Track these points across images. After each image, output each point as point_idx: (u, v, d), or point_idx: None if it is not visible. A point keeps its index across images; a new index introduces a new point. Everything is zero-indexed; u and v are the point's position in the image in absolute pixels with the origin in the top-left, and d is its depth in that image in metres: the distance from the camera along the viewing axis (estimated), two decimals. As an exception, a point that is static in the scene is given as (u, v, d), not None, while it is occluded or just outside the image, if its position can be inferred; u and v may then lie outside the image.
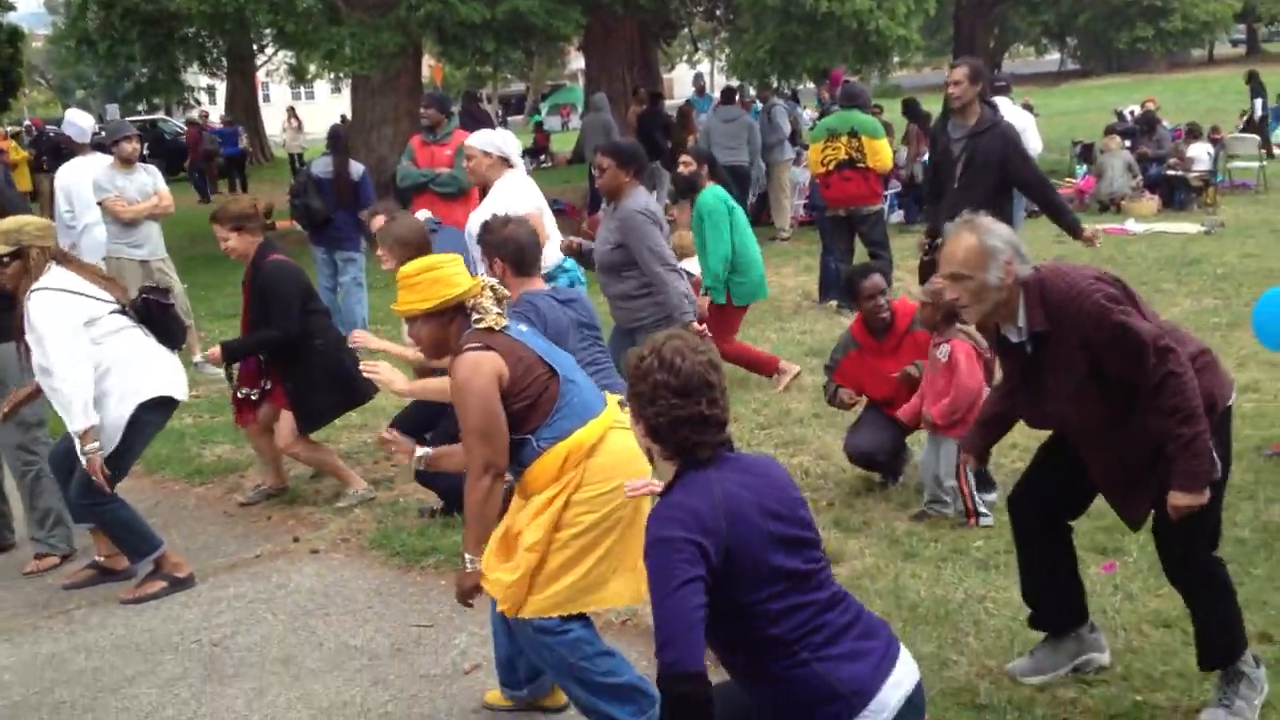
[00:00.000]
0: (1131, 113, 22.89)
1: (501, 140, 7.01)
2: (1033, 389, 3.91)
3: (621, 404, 3.10)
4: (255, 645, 5.05)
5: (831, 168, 10.45)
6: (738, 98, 16.81)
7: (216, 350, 6.42)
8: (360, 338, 6.11)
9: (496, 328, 3.85)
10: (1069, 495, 4.19)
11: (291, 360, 6.36)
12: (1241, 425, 6.72)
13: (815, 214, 12.41)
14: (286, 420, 6.49)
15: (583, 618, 3.89)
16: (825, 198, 10.72)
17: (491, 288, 3.94)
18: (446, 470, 4.17)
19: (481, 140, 6.97)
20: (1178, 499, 3.63)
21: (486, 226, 5.14)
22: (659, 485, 3.13)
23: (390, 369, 4.70)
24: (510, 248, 5.06)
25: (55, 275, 5.34)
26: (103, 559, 5.87)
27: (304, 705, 4.50)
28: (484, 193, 7.02)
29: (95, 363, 5.31)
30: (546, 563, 3.78)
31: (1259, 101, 23.45)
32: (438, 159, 9.55)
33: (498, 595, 3.85)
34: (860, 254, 10.71)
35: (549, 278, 6.17)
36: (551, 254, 6.36)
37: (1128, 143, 17.54)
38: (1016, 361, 3.92)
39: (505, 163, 6.87)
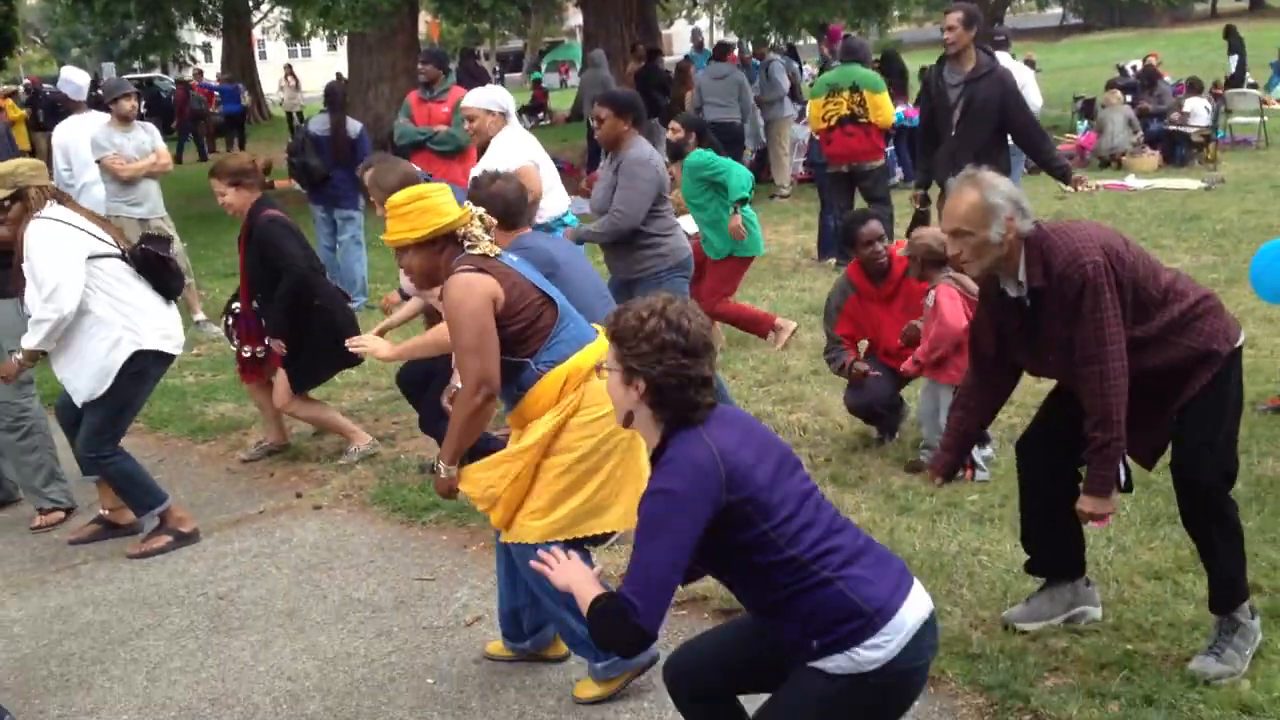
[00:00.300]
0: (1133, 68, 22.84)
1: (500, 96, 7.03)
2: (1032, 341, 3.94)
3: (598, 369, 3.14)
4: (260, 598, 5.13)
5: (833, 123, 10.44)
6: (735, 54, 16.75)
7: (280, 344, 6.41)
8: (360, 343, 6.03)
9: (490, 254, 3.90)
10: (1075, 440, 4.23)
11: (288, 325, 6.39)
12: (1236, 380, 6.80)
13: (814, 170, 12.39)
14: (282, 379, 6.54)
15: (580, 548, 3.95)
16: (826, 153, 10.70)
17: (480, 216, 3.98)
18: (465, 446, 4.12)
19: (482, 99, 6.98)
20: (1085, 504, 3.78)
21: (474, 182, 5.19)
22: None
23: (373, 339, 4.78)
24: (498, 203, 5.07)
25: (55, 211, 5.39)
26: (107, 513, 5.93)
27: (309, 656, 4.57)
28: (483, 150, 7.03)
29: (90, 306, 5.35)
30: (544, 484, 3.88)
31: (1234, 59, 23.54)
32: (435, 116, 9.55)
33: (476, 493, 3.95)
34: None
35: (548, 229, 6.20)
36: (552, 205, 6.39)
37: (1128, 98, 17.50)
38: (1015, 315, 3.94)
39: (504, 118, 6.89)
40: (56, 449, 6.19)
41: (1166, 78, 19.92)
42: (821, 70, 13.35)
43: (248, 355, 6.71)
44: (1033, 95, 11.19)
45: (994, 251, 3.76)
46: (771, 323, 8.18)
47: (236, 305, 6.72)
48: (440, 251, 3.92)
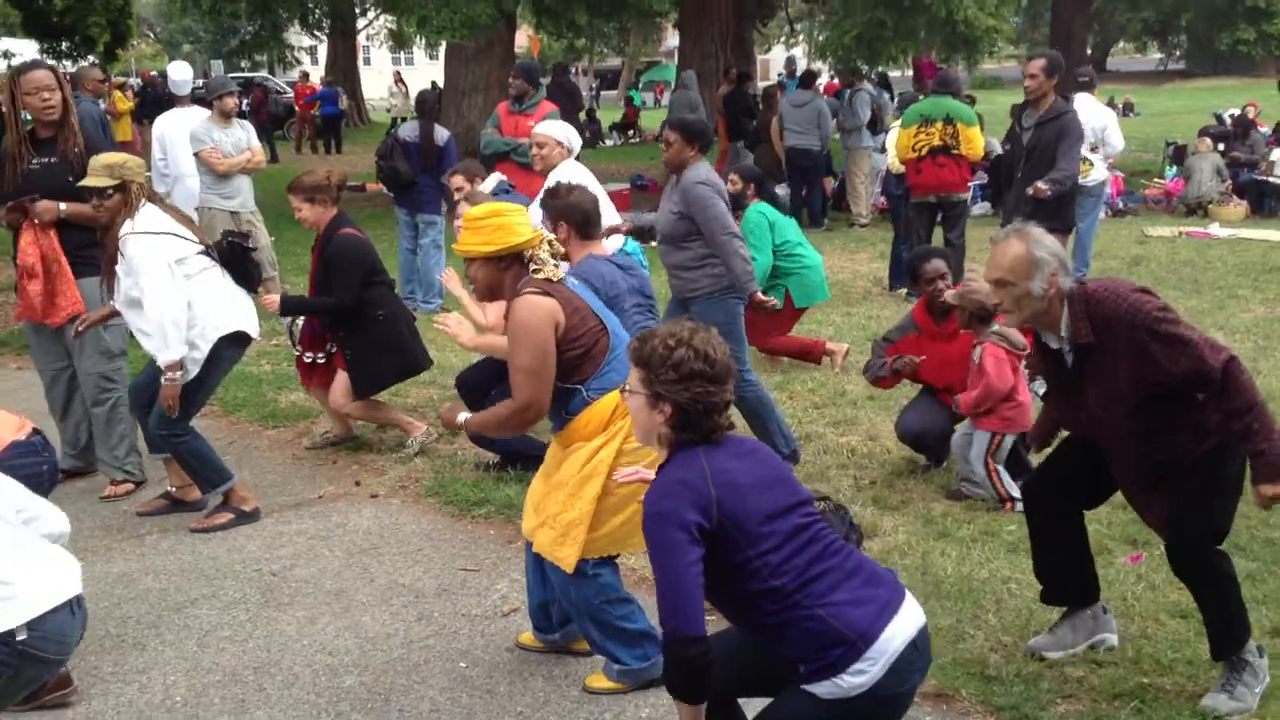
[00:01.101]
0: (1231, 116, 22.54)
1: (570, 132, 7.22)
2: (1069, 396, 4.04)
3: (624, 391, 3.29)
4: (311, 577, 5.35)
5: (924, 153, 10.48)
6: (835, 82, 16.90)
7: (275, 298, 6.71)
8: (449, 278, 6.28)
9: (554, 279, 4.06)
10: (1087, 487, 4.33)
11: (352, 328, 6.64)
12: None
13: (890, 201, 12.46)
14: (340, 381, 6.78)
15: (611, 563, 4.13)
16: (913, 183, 10.71)
17: (549, 242, 4.15)
18: (485, 433, 4.33)
19: (555, 129, 7.15)
20: (1267, 489, 3.73)
21: (552, 192, 5.40)
22: (650, 474, 3.37)
23: (459, 321, 4.83)
24: (577, 212, 5.37)
25: (149, 213, 5.65)
26: (175, 490, 6.20)
27: (351, 634, 4.78)
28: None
29: (185, 298, 5.62)
30: (588, 504, 4.00)
31: None
32: (521, 128, 9.78)
33: (547, 554, 4.08)
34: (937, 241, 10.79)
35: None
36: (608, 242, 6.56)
37: (1220, 146, 17.31)
38: (1053, 367, 4.04)
39: (569, 152, 7.10)
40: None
41: (1263, 128, 19.65)
42: (900, 103, 13.43)
43: (309, 360, 6.97)
44: (1114, 137, 11.18)
45: (1035, 305, 3.87)
46: (823, 348, 8.32)
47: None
48: (506, 269, 4.08)
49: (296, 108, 30.86)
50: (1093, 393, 3.92)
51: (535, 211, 6.01)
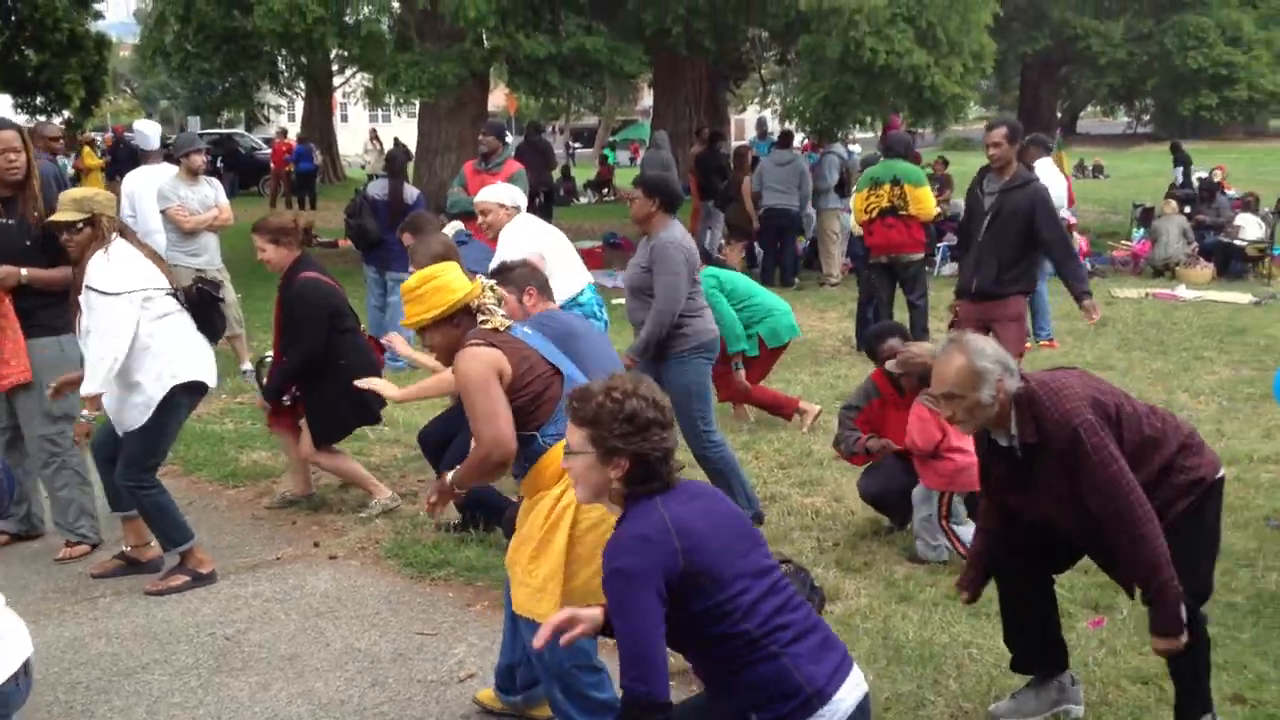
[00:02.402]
0: (1199, 179, 22.85)
1: (512, 193, 7.22)
2: (1023, 488, 4.04)
3: (565, 454, 3.26)
4: (266, 642, 5.26)
5: (874, 215, 10.60)
6: (809, 143, 17.07)
7: (260, 399, 6.75)
8: (394, 341, 6.33)
9: (501, 328, 4.06)
10: (1055, 553, 4.32)
11: (315, 376, 6.59)
12: (1255, 494, 6.82)
13: (855, 262, 12.54)
14: (308, 431, 6.74)
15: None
16: (868, 244, 10.84)
17: (490, 288, 4.15)
18: (468, 484, 4.24)
19: (493, 195, 7.15)
20: (1158, 644, 3.80)
21: (505, 267, 5.42)
22: None
23: (383, 383, 4.94)
24: (536, 276, 5.38)
25: (118, 246, 5.63)
26: (130, 550, 6.11)
27: (304, 700, 4.69)
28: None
29: (140, 338, 5.57)
30: (556, 556, 3.93)
31: (1179, 170, 24.82)
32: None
33: (525, 611, 3.99)
34: (900, 302, 10.84)
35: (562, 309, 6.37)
36: (566, 286, 6.56)
37: (1186, 209, 17.51)
38: (1006, 463, 4.04)
39: (516, 210, 7.09)
40: (91, 484, 6.39)
41: (1230, 191, 19.91)
42: (867, 164, 13.62)
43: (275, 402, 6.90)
44: (1058, 193, 11.23)
45: (986, 412, 3.89)
46: (795, 406, 8.36)
47: (269, 355, 6.94)
48: (458, 326, 4.08)
49: (272, 164, 30.95)
50: (1043, 487, 3.94)
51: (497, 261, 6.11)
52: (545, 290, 5.44)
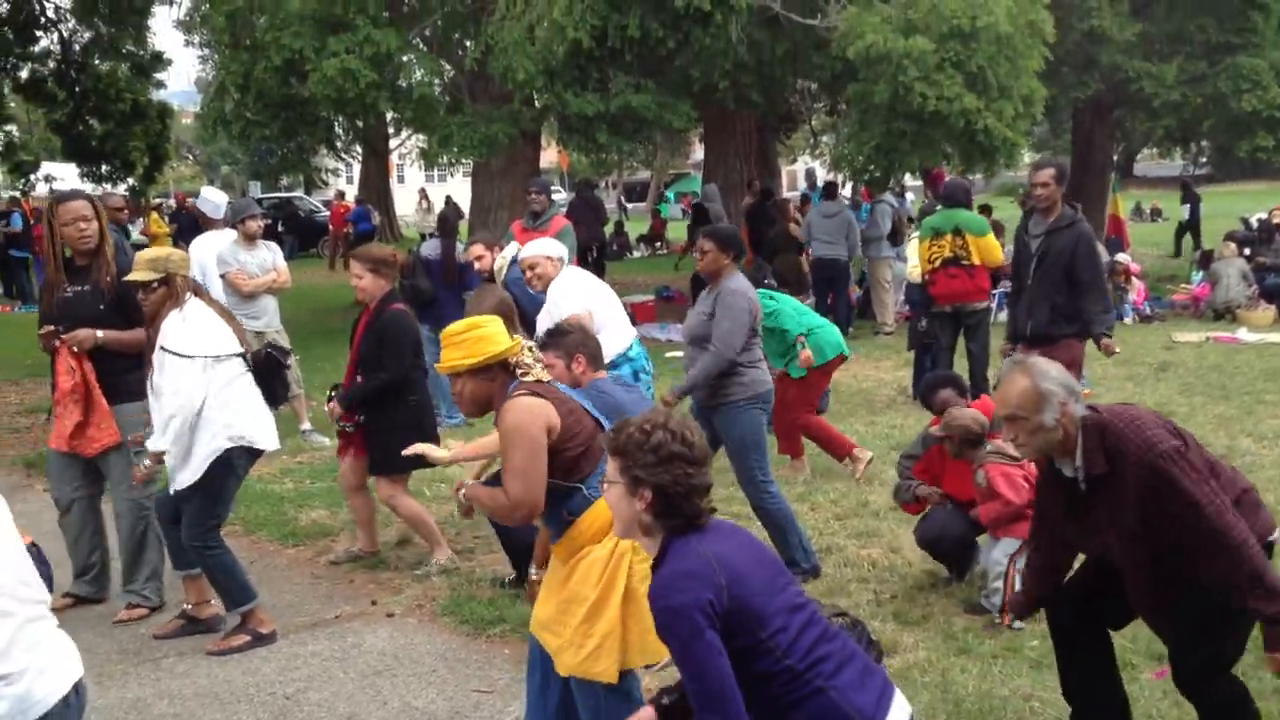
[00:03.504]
0: (1258, 220, 22.57)
1: (557, 247, 7.32)
2: (1082, 522, 4.01)
3: (602, 483, 3.29)
4: (325, 701, 5.30)
5: (937, 265, 10.60)
6: (865, 191, 17.17)
7: (336, 405, 6.80)
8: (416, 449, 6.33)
9: (543, 379, 4.09)
10: (1112, 606, 4.26)
11: (386, 405, 6.70)
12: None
13: (912, 312, 12.50)
14: (385, 478, 6.86)
15: (638, 681, 4.04)
16: (932, 294, 10.80)
17: (529, 347, 4.18)
18: (478, 505, 4.20)
19: (540, 249, 7.24)
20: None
21: (558, 330, 5.43)
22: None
23: (429, 446, 5.04)
24: (590, 343, 5.38)
25: (194, 306, 5.78)
26: (190, 608, 6.19)
27: (362, 759, 4.72)
28: None
29: (207, 399, 5.69)
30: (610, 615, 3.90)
31: (1186, 208, 25.86)
32: (538, 244, 9.91)
33: (581, 673, 3.93)
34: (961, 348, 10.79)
35: (612, 365, 6.41)
36: (614, 342, 6.60)
37: (1246, 250, 17.31)
38: (1067, 494, 4.00)
39: (562, 262, 7.20)
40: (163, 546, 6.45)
41: (1290, 232, 19.61)
42: (921, 213, 13.61)
43: (340, 427, 7.00)
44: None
45: (1049, 435, 3.86)
46: (850, 450, 8.32)
47: (338, 385, 7.02)
48: (493, 379, 4.09)
49: (331, 226, 31.42)
50: (1105, 518, 3.89)
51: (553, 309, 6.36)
52: (596, 359, 5.40)
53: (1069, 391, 3.84)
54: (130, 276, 5.78)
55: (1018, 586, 5.71)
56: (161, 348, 5.67)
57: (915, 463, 6.45)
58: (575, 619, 3.96)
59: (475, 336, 4.08)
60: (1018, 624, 5.59)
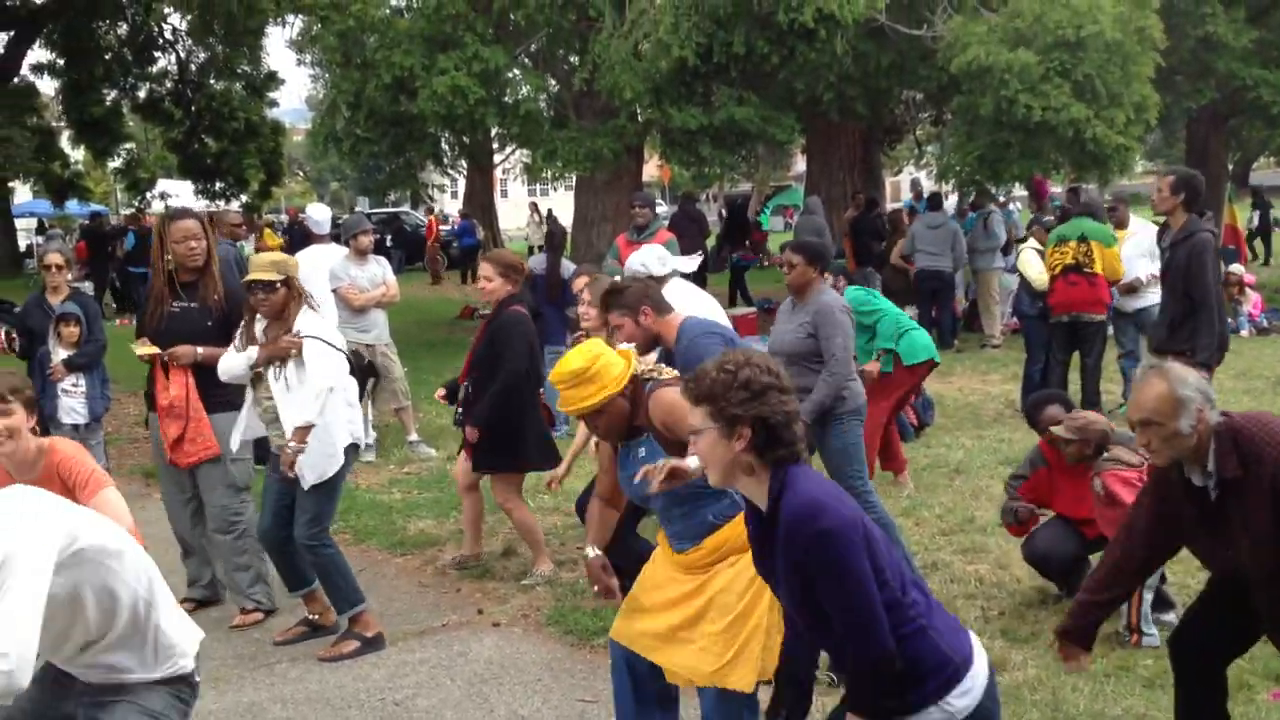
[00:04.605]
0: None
1: (662, 254, 7.09)
2: (1213, 531, 3.92)
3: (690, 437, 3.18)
4: (433, 708, 5.39)
5: (1058, 271, 10.48)
6: (950, 203, 16.99)
7: (474, 432, 6.85)
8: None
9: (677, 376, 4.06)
10: (1231, 634, 4.17)
11: (507, 405, 6.81)
12: None
13: (1022, 321, 12.33)
14: (500, 478, 7.01)
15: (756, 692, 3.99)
16: (1050, 302, 10.66)
17: (637, 359, 4.19)
18: (685, 478, 3.90)
19: (644, 259, 7.00)
20: None
21: (615, 289, 5.39)
22: None
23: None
24: (654, 293, 5.37)
25: (314, 321, 6.02)
26: (315, 617, 6.32)
27: (469, 766, 4.78)
28: None
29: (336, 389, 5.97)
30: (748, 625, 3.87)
31: (1256, 214, 25.90)
32: (642, 257, 9.96)
33: (716, 682, 3.86)
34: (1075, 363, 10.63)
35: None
36: None
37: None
38: (1197, 504, 3.92)
39: (670, 271, 6.99)
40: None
41: None
42: (1030, 225, 13.43)
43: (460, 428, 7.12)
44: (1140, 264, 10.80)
45: (1184, 442, 3.79)
46: (902, 467, 8.35)
47: (466, 387, 7.08)
48: (625, 396, 4.05)
49: (427, 240, 31.88)
50: (1239, 527, 3.81)
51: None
52: (661, 305, 5.29)
53: (1205, 398, 3.78)
54: (253, 275, 5.95)
55: (1147, 603, 5.62)
56: (311, 337, 5.90)
57: (1022, 483, 6.36)
58: (716, 627, 3.91)
59: (588, 377, 4.01)
60: (1146, 640, 5.49)
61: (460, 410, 7.11)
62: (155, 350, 6.43)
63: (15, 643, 2.85)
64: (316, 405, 5.85)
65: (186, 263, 6.50)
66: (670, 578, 4.15)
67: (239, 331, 6.13)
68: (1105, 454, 5.79)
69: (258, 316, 6.01)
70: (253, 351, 6.00)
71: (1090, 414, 5.98)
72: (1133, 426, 3.93)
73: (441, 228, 34.11)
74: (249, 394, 6.17)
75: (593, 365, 4.03)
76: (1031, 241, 11.93)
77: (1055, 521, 6.32)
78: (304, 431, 5.83)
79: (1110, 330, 11.05)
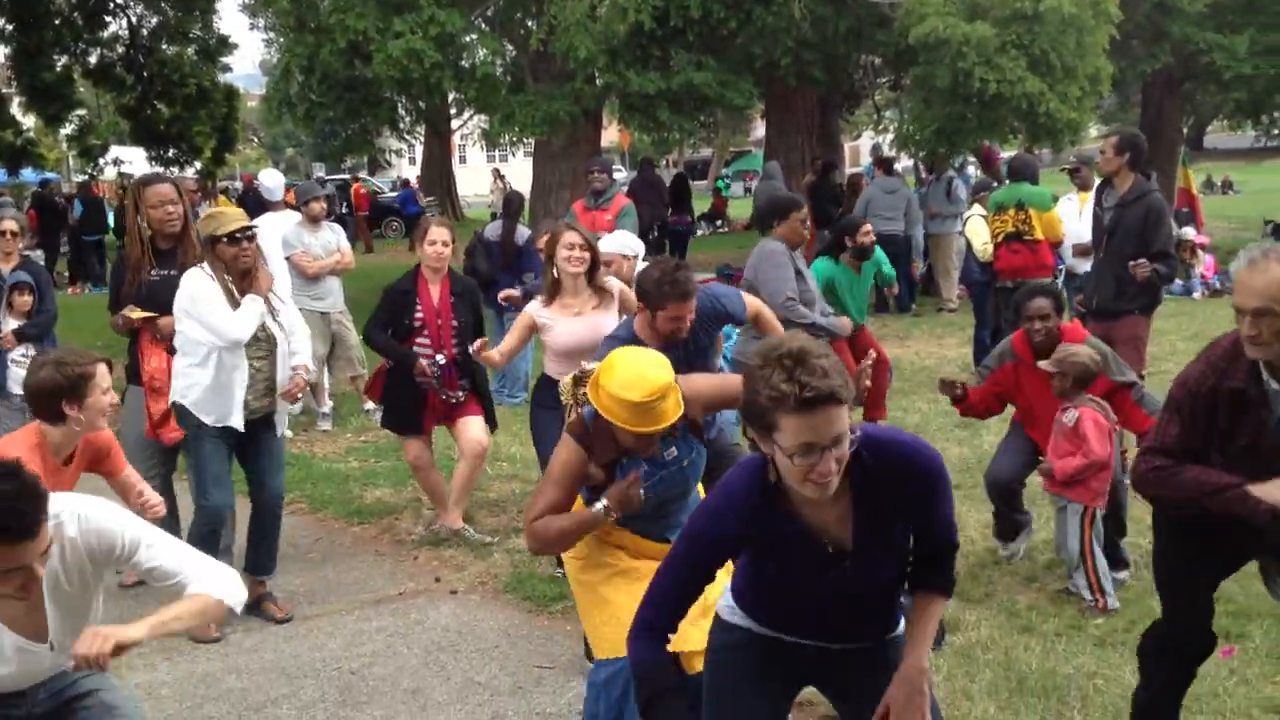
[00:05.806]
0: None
1: (632, 241, 7.16)
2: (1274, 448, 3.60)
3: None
4: (389, 676, 5.37)
5: (1000, 239, 10.57)
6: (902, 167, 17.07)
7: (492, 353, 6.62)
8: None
9: None
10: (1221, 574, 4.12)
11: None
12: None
13: (971, 287, 12.40)
14: (478, 422, 7.10)
15: None
16: (995, 269, 10.76)
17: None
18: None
19: (618, 244, 7.03)
20: None
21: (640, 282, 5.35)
22: None
23: None
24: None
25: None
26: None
27: (425, 734, 4.78)
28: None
29: None
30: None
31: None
32: (599, 224, 9.92)
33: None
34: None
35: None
36: None
37: (1320, 222, 16.96)
38: (1265, 416, 3.59)
39: (637, 259, 6.99)
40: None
41: (1365, 202, 19.21)
42: (977, 189, 13.46)
43: (448, 400, 7.05)
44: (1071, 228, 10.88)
45: None
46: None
47: (441, 357, 6.99)
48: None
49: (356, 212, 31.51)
50: None
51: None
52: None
53: None
54: (242, 222, 5.83)
55: (1099, 568, 5.64)
56: (281, 297, 6.04)
57: (988, 374, 6.28)
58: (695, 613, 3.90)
59: (663, 408, 3.76)
60: (1113, 603, 5.53)
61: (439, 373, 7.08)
62: (149, 314, 6.27)
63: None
64: (309, 346, 6.05)
65: (164, 229, 6.36)
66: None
67: (216, 293, 5.79)
68: (1093, 398, 5.75)
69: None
70: (253, 302, 5.82)
71: (1074, 346, 5.87)
72: (1240, 315, 3.54)
73: (381, 196, 33.85)
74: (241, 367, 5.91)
75: (668, 396, 3.80)
76: (978, 208, 11.95)
77: (1008, 442, 6.35)
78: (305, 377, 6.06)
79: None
